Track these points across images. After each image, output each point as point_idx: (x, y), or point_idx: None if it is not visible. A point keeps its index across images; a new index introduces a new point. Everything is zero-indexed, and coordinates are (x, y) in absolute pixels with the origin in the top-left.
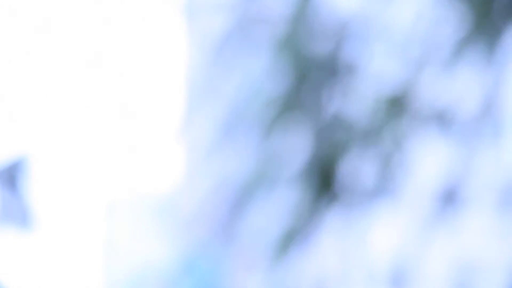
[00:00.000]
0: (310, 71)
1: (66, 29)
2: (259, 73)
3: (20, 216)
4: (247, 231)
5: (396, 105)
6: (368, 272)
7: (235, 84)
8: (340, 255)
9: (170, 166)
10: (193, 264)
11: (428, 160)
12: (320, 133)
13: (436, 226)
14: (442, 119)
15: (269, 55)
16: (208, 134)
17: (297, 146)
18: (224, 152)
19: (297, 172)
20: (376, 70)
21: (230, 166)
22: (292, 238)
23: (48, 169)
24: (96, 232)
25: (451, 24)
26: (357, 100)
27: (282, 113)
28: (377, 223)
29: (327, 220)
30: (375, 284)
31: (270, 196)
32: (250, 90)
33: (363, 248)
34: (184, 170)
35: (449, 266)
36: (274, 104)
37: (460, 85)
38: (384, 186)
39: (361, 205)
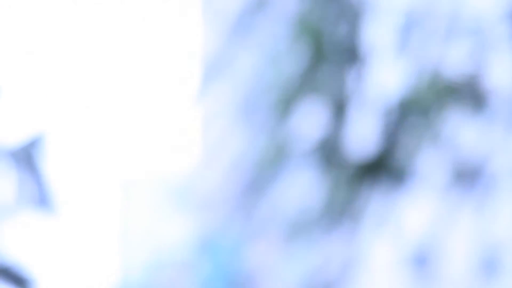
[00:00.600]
0: (329, 50)
1: (81, 4)
2: (276, 50)
3: (37, 195)
4: (266, 210)
5: (429, 86)
6: (393, 252)
7: (252, 61)
8: (366, 236)
9: (187, 146)
10: (211, 244)
11: (456, 138)
12: (338, 113)
13: (462, 206)
14: (477, 99)
15: (287, 32)
16: (225, 113)
17: (314, 126)
18: (241, 131)
19: (315, 152)
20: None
21: (247, 145)
22: (311, 217)
23: (64, 148)
24: (112, 212)
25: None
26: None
27: (299, 91)
28: (403, 204)
29: (348, 201)
30: (401, 265)
31: (287, 175)
32: (267, 68)
33: (390, 229)
34: (201, 150)
35: (475, 247)
36: (291, 83)
37: (501, 66)
38: (409, 166)
39: (386, 186)
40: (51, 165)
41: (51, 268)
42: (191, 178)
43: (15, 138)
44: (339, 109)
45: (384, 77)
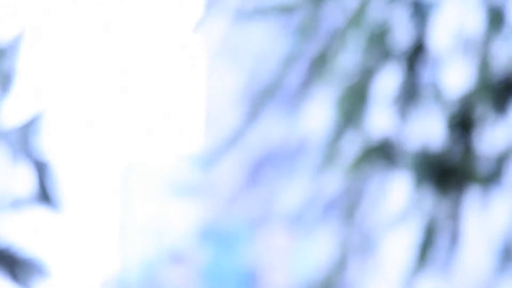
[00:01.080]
0: (394, 48)
1: (88, 6)
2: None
3: (38, 186)
4: (274, 199)
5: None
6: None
7: (257, 52)
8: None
9: (190, 131)
10: (213, 229)
11: None
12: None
13: None
14: None
15: (350, 29)
16: (229, 99)
17: (378, 124)
18: (245, 118)
19: (380, 151)
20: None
21: (252, 132)
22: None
23: (64, 131)
24: (113, 196)
25: None
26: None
27: (365, 90)
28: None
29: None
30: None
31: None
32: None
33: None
34: (204, 135)
35: None
36: (358, 81)
37: None
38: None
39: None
40: (51, 153)
41: (52, 256)
42: (194, 166)
43: (16, 122)
44: (406, 108)
45: (451, 76)
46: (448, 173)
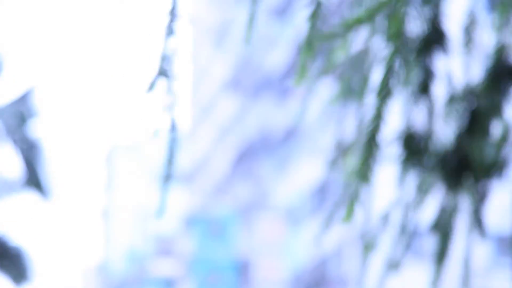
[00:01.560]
0: (408, 37)
1: None
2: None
3: (26, 172)
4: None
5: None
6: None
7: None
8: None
9: (176, 115)
10: (202, 217)
11: None
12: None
13: None
14: None
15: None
16: (216, 83)
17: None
18: (230, 103)
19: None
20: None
21: (236, 118)
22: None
23: (49, 116)
24: (98, 182)
25: None
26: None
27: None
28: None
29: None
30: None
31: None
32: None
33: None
34: (189, 118)
35: None
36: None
37: None
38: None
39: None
40: (38, 137)
41: (35, 243)
42: (180, 149)
43: (3, 103)
44: (419, 97)
45: (459, 65)
46: (461, 165)
